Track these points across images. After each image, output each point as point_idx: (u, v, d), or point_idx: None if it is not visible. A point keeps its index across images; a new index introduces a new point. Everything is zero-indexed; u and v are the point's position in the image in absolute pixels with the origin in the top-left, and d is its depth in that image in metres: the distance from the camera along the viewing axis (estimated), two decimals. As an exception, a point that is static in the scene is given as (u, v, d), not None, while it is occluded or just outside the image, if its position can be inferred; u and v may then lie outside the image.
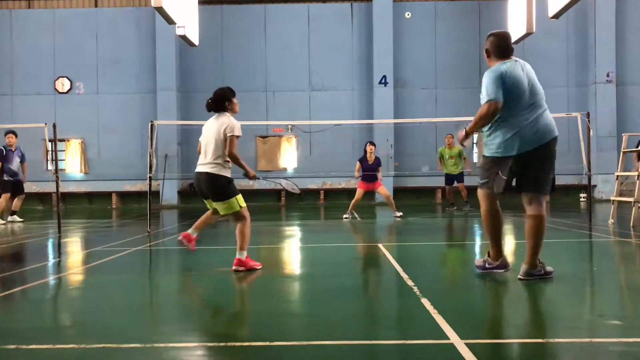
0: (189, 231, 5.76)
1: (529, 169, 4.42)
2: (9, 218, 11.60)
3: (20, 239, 8.67)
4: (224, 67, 18.55)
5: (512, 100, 4.34)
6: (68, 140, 18.45)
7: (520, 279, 4.47)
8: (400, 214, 11.35)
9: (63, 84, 18.64)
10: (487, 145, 4.59)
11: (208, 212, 5.64)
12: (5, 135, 11.60)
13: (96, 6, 18.94)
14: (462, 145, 4.89)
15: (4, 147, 11.56)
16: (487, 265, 4.78)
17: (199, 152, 5.37)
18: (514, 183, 4.52)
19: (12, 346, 2.93)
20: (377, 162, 11.42)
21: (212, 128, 5.23)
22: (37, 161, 16.80)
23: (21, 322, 3.61)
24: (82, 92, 18.72)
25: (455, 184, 13.62)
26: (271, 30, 18.63)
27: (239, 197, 5.20)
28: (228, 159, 5.19)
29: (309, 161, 18.61)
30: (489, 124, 4.48)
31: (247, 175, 5.44)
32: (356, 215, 11.31)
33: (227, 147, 5.11)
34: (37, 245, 8.05)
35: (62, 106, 18.53)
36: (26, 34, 18.70)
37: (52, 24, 18.68)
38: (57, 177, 9.68)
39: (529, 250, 4.46)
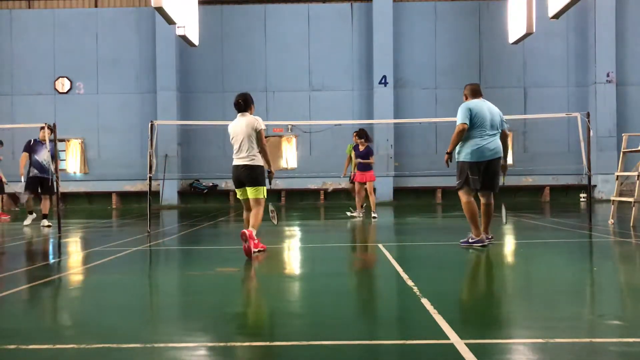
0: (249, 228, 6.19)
1: (485, 174, 6.40)
2: (42, 222, 10.42)
3: (20, 239, 8.67)
4: (224, 67, 18.56)
5: (477, 126, 6.33)
6: (68, 140, 18.46)
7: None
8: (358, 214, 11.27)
9: (63, 84, 18.65)
10: (459, 153, 6.45)
11: (245, 215, 6.51)
12: (41, 129, 10.55)
13: (96, 6, 18.95)
14: (447, 164, 6.58)
15: (34, 139, 10.70)
16: (470, 241, 6.54)
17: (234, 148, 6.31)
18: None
19: (12, 346, 2.93)
20: (367, 150, 11.31)
21: (242, 126, 6.21)
22: (37, 161, 16.79)
23: (21, 322, 3.61)
24: (82, 92, 18.73)
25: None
26: (271, 30, 18.64)
27: (265, 188, 6.31)
28: (259, 151, 6.24)
29: (309, 161, 18.61)
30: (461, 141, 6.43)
31: (269, 172, 6.44)
32: (359, 213, 11.29)
33: (259, 139, 6.20)
34: (37, 245, 8.05)
35: (62, 106, 18.55)
36: (26, 34, 18.71)
37: (52, 24, 18.69)
38: (57, 177, 9.67)
39: (485, 225, 6.64)
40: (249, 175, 6.19)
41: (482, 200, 6.61)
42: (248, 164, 6.19)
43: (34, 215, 10.97)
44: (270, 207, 7.33)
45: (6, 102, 18.63)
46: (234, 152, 6.33)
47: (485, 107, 6.44)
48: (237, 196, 6.52)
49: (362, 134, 11.41)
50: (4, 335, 3.17)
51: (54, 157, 9.88)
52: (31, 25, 18.73)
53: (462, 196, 6.52)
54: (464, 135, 6.34)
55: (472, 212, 6.48)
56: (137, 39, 18.61)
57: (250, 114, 6.34)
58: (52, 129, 9.90)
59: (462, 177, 6.45)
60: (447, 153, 6.56)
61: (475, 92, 6.62)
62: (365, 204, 11.80)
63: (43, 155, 10.52)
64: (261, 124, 6.22)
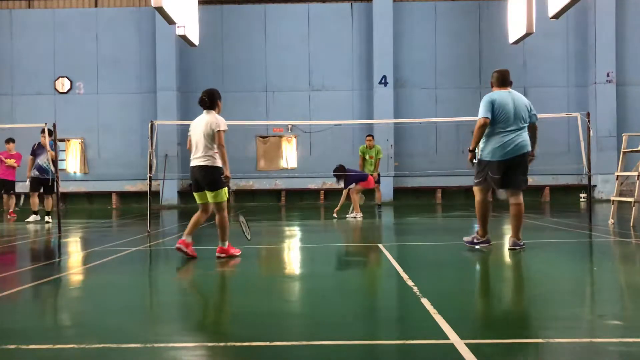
0: (184, 237, 5.99)
1: (510, 172, 5.94)
2: (44, 218, 11.43)
3: (20, 239, 8.67)
4: (224, 67, 18.56)
5: (500, 120, 5.88)
6: (68, 140, 18.46)
7: (509, 249, 6.06)
8: (360, 215, 11.25)
9: (63, 84, 18.64)
10: (481, 151, 6.05)
11: (197, 214, 6.08)
12: (41, 134, 11.32)
13: (96, 6, 18.95)
14: (472, 163, 6.23)
15: (38, 142, 11.69)
16: (475, 241, 6.30)
17: (189, 148, 5.99)
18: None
19: (12, 346, 2.93)
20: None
21: (201, 125, 5.82)
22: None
23: (21, 322, 3.61)
24: (82, 92, 18.73)
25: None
26: (271, 30, 18.64)
27: (225, 190, 5.89)
28: (217, 151, 5.81)
29: (309, 161, 18.61)
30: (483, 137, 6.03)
31: (223, 173, 5.85)
32: (360, 213, 11.34)
33: (217, 141, 5.75)
34: (38, 245, 8.05)
35: (62, 106, 18.55)
36: (26, 34, 18.70)
37: (52, 24, 18.69)
38: (57, 177, 9.69)
39: (514, 228, 6.07)
40: (206, 178, 5.78)
41: (511, 200, 6.08)
42: (204, 164, 5.77)
43: (38, 216, 11.67)
44: (241, 218, 6.86)
45: (6, 102, 18.63)
46: (192, 152, 5.91)
47: (510, 99, 5.95)
48: (196, 201, 6.04)
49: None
50: (4, 335, 3.17)
51: (56, 153, 10.43)
52: (31, 25, 18.72)
53: (477, 193, 6.21)
54: (485, 130, 5.94)
55: (483, 211, 6.19)
56: (137, 39, 18.61)
57: (217, 111, 5.94)
58: (51, 132, 10.51)
59: (481, 175, 6.09)
60: (470, 150, 6.17)
61: (503, 81, 6.10)
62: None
63: (43, 158, 11.48)
64: (221, 124, 5.78)
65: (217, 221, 5.91)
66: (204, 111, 5.91)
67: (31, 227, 10.62)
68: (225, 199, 5.89)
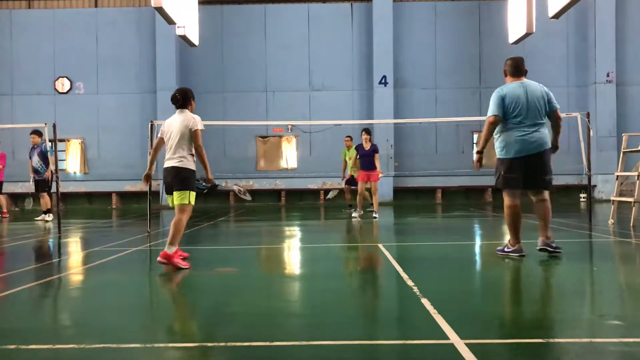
0: (167, 249, 5.42)
1: (529, 172, 5.46)
2: (45, 217, 11.79)
3: (20, 239, 8.67)
4: (224, 67, 18.56)
5: (513, 116, 5.43)
6: (68, 140, 18.47)
7: (540, 249, 5.65)
8: (376, 216, 11.26)
9: (63, 84, 18.65)
10: (496, 148, 5.60)
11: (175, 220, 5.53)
12: (30, 133, 12.06)
13: (96, 6, 18.95)
14: (479, 164, 5.71)
15: (32, 145, 12.11)
16: (506, 249, 5.72)
17: (155, 148, 5.83)
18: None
19: (12, 346, 2.93)
20: (373, 148, 11.22)
21: (176, 124, 5.55)
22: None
23: (21, 322, 3.61)
24: (82, 92, 18.73)
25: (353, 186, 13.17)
26: (271, 30, 18.64)
27: (194, 194, 5.55)
28: (192, 153, 5.54)
29: (309, 161, 18.61)
30: (496, 133, 5.57)
31: (205, 177, 5.70)
32: (361, 211, 11.31)
33: (194, 140, 5.49)
34: (37, 245, 8.05)
35: (62, 106, 18.55)
36: (26, 34, 18.70)
37: (52, 24, 18.69)
38: (57, 177, 9.70)
39: (542, 228, 5.60)
40: (176, 177, 5.45)
41: (534, 198, 5.69)
42: (176, 165, 5.46)
43: (46, 215, 11.95)
44: (237, 188, 6.78)
45: (6, 102, 18.63)
46: (166, 152, 5.63)
47: (523, 91, 5.50)
48: (169, 205, 5.72)
49: (369, 131, 11.43)
50: (4, 335, 3.17)
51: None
52: (31, 25, 18.73)
53: (505, 198, 5.64)
54: (496, 127, 5.48)
55: (511, 217, 5.59)
56: (137, 39, 18.61)
57: (190, 111, 5.67)
58: (41, 133, 11.42)
59: (496, 175, 5.64)
60: (478, 152, 5.65)
61: (517, 69, 5.69)
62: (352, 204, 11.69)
63: (36, 159, 11.86)
64: (198, 123, 5.51)
65: (173, 222, 5.44)
66: (177, 111, 5.64)
67: (28, 227, 10.64)
68: (191, 203, 5.51)
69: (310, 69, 18.63)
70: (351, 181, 13.01)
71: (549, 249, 5.56)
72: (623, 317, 3.52)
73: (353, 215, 11.44)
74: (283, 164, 18.71)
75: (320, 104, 18.40)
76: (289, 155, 18.76)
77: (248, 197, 6.60)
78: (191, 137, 5.49)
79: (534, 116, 5.44)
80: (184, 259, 5.66)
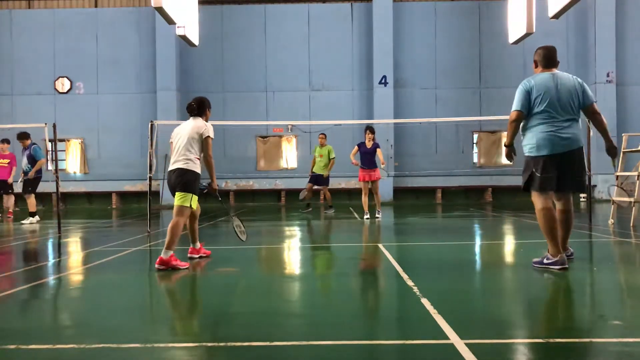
0: (192, 246, 6.06)
1: (560, 172, 4.94)
2: (30, 219, 11.53)
3: (20, 239, 8.67)
4: (224, 67, 18.56)
5: (541, 110, 4.90)
6: (68, 140, 18.47)
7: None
8: (379, 216, 11.24)
9: (63, 84, 18.65)
10: (523, 146, 5.11)
11: (189, 222, 5.90)
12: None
13: (96, 6, 18.95)
14: (509, 160, 5.27)
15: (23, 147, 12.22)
16: (545, 261, 5.00)
17: (172, 153, 5.72)
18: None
19: (12, 346, 2.93)
20: (376, 145, 11.13)
21: (187, 129, 5.61)
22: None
23: (21, 322, 3.61)
24: (82, 92, 18.73)
25: (317, 186, 13.31)
26: (271, 30, 18.63)
27: (196, 197, 5.57)
28: (198, 157, 5.58)
29: (309, 161, 18.56)
30: (522, 128, 5.10)
31: (211, 184, 5.78)
32: (369, 214, 11.19)
33: (204, 148, 5.57)
34: (37, 245, 8.05)
35: (62, 106, 18.55)
36: (26, 34, 18.71)
37: (52, 24, 18.69)
38: (57, 177, 9.69)
39: (561, 238, 4.99)
40: (179, 178, 5.46)
41: (558, 205, 5.16)
42: (180, 167, 5.48)
43: (32, 218, 11.69)
44: (235, 222, 6.48)
45: (6, 102, 18.63)
46: (171, 156, 5.66)
47: (554, 83, 4.93)
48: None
49: (373, 130, 11.33)
50: (4, 335, 3.17)
51: (56, 153, 10.51)
52: (31, 25, 18.73)
53: (536, 201, 5.07)
54: (520, 123, 5.03)
55: (547, 222, 4.93)
56: (137, 39, 18.61)
57: (205, 119, 5.74)
58: (27, 135, 11.94)
59: (525, 175, 5.09)
60: (506, 146, 5.20)
61: (549, 60, 5.09)
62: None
63: (24, 161, 11.99)
64: (210, 131, 5.57)
65: (170, 225, 5.43)
66: (191, 117, 5.71)
67: (27, 227, 10.64)
68: (191, 206, 5.52)
69: (310, 69, 18.63)
70: (316, 180, 13.09)
71: (566, 265, 4.97)
72: (623, 317, 3.52)
73: (366, 217, 11.16)
74: (283, 164, 18.71)
75: (320, 104, 18.40)
76: (289, 155, 18.76)
77: (243, 238, 6.40)
78: (201, 143, 5.54)
79: (566, 111, 4.90)
80: (207, 256, 6.03)
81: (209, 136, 5.54)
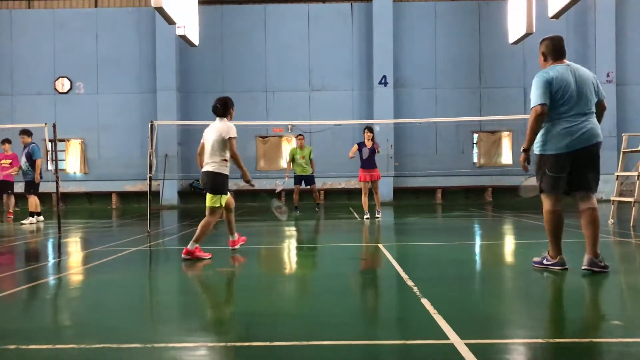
0: (232, 238, 6.50)
1: (577, 169, 4.62)
2: (31, 219, 11.42)
3: (20, 239, 8.67)
4: (224, 67, 18.56)
5: (561, 104, 4.56)
6: (68, 140, 18.46)
7: (585, 269, 4.68)
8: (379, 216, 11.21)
9: (63, 84, 18.64)
10: (538, 144, 4.74)
11: (225, 214, 6.35)
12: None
13: (96, 6, 18.95)
14: (523, 165, 4.76)
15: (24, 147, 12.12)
16: (544, 262, 4.93)
17: (199, 153, 6.25)
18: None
19: (12, 346, 2.93)
20: (375, 145, 11.06)
21: (213, 132, 6.03)
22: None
23: (21, 322, 3.61)
24: (82, 92, 18.73)
25: (304, 186, 13.28)
26: (271, 30, 18.63)
27: (225, 197, 6.05)
28: (226, 159, 6.01)
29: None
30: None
31: (243, 177, 6.21)
32: (369, 214, 11.13)
33: (229, 148, 5.99)
34: (37, 245, 8.05)
35: (62, 106, 18.55)
36: (26, 34, 18.70)
37: (52, 24, 18.69)
38: (57, 177, 9.69)
39: (590, 242, 4.65)
40: (210, 182, 5.99)
41: (581, 205, 4.71)
42: (210, 170, 5.99)
43: (32, 218, 11.56)
44: (277, 204, 7.57)
45: (6, 102, 18.63)
46: (205, 157, 6.15)
47: (570, 75, 4.61)
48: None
49: (372, 129, 11.28)
50: (4, 335, 3.17)
51: (56, 153, 10.52)
52: (31, 25, 18.72)
53: (545, 201, 4.80)
54: (544, 118, 4.59)
55: (553, 224, 4.76)
56: (137, 39, 18.60)
57: (229, 119, 6.16)
58: (30, 133, 11.77)
59: (539, 175, 4.78)
60: (524, 150, 4.74)
61: (560, 51, 4.73)
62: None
63: (23, 160, 11.86)
64: (231, 132, 5.99)
65: (202, 222, 5.99)
66: (217, 118, 6.10)
67: (27, 227, 10.63)
68: (220, 205, 6.00)
69: (310, 69, 18.63)
70: (304, 181, 13.08)
71: (595, 269, 4.63)
72: (623, 317, 3.52)
73: (366, 217, 11.13)
74: (283, 164, 18.70)
75: (320, 104, 18.40)
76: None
77: (283, 218, 7.30)
78: (226, 144, 5.97)
79: (584, 104, 4.58)
80: (242, 244, 6.57)
81: (231, 137, 5.96)
